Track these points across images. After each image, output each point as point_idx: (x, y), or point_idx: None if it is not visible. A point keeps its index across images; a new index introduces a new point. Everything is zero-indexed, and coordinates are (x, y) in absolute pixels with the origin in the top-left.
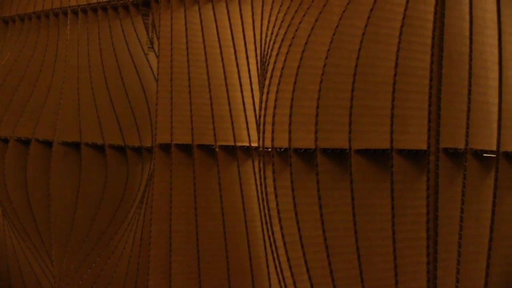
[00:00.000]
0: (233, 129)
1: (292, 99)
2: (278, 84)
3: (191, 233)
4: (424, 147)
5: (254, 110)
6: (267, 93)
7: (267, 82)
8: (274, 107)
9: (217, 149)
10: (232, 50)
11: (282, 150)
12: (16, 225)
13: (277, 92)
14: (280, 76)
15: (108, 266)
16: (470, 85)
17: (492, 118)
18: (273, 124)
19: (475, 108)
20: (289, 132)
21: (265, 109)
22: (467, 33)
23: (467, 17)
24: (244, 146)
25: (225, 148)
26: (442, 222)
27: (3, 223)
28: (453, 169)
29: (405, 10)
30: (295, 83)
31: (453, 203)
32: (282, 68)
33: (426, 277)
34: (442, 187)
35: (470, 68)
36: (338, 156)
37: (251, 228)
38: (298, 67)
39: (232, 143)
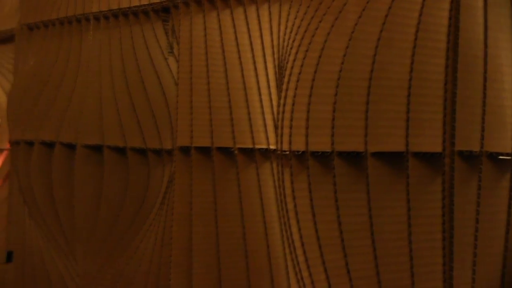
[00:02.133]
0: (251, 132)
1: (309, 104)
2: (295, 88)
3: (211, 234)
4: (439, 149)
5: (272, 113)
6: (285, 97)
7: (284, 87)
8: (292, 111)
9: (236, 152)
10: (250, 55)
11: (299, 153)
12: (42, 226)
13: (294, 96)
14: (297, 81)
15: (130, 265)
16: (484, 88)
17: (507, 121)
18: (290, 128)
19: (490, 111)
20: (306, 136)
21: (283, 113)
22: (481, 37)
23: (481, 21)
24: (262, 148)
25: (244, 151)
26: (458, 223)
27: (29, 223)
28: (468, 172)
29: (420, 15)
30: (311, 87)
31: (468, 205)
32: (299, 73)
33: (442, 278)
34: (458, 189)
35: (485, 71)
36: (354, 159)
37: (270, 229)
38: (315, 72)
39: (250, 146)
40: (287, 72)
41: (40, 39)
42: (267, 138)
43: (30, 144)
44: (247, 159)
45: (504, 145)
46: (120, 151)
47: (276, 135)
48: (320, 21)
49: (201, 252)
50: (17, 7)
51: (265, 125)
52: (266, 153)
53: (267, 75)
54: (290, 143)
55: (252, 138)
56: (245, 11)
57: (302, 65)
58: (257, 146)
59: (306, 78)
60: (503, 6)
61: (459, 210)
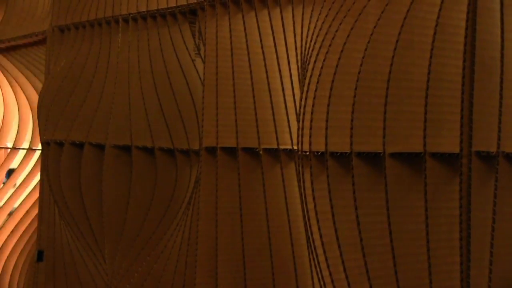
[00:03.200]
0: (276, 132)
1: (328, 105)
2: (315, 90)
3: (236, 233)
4: (457, 150)
5: (296, 114)
6: (305, 98)
7: (305, 88)
8: (312, 113)
9: (261, 152)
10: (275, 56)
11: (319, 153)
12: (72, 225)
13: (314, 98)
14: (317, 82)
15: (158, 264)
16: (501, 89)
17: None
18: (310, 128)
19: (507, 112)
20: (326, 137)
21: (303, 114)
22: (498, 39)
23: (498, 23)
24: (287, 149)
25: (269, 151)
26: (475, 223)
27: (59, 223)
28: (485, 172)
29: (438, 18)
30: (331, 89)
31: (485, 204)
32: (319, 75)
33: (459, 277)
34: (475, 189)
35: (502, 73)
36: (373, 159)
37: (294, 228)
38: (334, 73)
39: (275, 146)
40: (308, 74)
41: (70, 41)
42: (291, 139)
43: (60, 144)
44: (272, 159)
45: None
46: (149, 151)
47: (298, 136)
48: (340, 24)
49: (226, 252)
50: (49, 10)
51: (289, 126)
52: (290, 154)
53: (291, 76)
54: (310, 143)
55: (277, 138)
56: (269, 13)
57: (322, 67)
58: (282, 147)
59: (326, 80)
60: None
61: (476, 210)
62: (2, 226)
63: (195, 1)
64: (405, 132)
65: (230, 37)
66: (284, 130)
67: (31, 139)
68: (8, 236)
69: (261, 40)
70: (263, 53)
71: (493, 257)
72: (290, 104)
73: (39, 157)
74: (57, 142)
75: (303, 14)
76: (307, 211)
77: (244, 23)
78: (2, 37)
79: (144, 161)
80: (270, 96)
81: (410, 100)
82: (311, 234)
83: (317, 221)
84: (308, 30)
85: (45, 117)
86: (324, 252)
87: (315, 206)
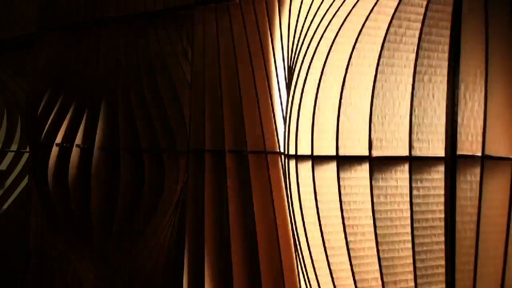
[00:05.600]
0: (263, 135)
1: (314, 108)
2: (302, 92)
3: (224, 237)
4: (442, 153)
5: (283, 116)
6: (292, 101)
7: (291, 92)
8: (298, 116)
9: (247, 155)
10: (262, 59)
11: (304, 157)
12: (60, 228)
13: (300, 101)
14: (303, 85)
15: (146, 267)
16: (486, 91)
17: (509, 125)
18: (296, 132)
19: (492, 114)
20: (311, 140)
21: (289, 117)
22: (483, 39)
23: (483, 26)
24: (274, 152)
25: (256, 154)
26: (460, 227)
27: (47, 225)
28: (469, 175)
29: (424, 18)
30: (317, 92)
31: (470, 208)
32: (305, 77)
33: (444, 280)
34: (460, 192)
35: (486, 74)
36: (358, 163)
37: (281, 232)
38: (320, 76)
39: (262, 149)
40: (294, 77)
41: (58, 43)
42: (278, 142)
43: (48, 146)
44: (259, 162)
45: (504, 149)
46: (136, 153)
47: (284, 139)
48: (327, 25)
49: (213, 255)
50: (37, 12)
51: (276, 129)
52: (277, 157)
53: (277, 77)
54: (296, 147)
55: (264, 141)
56: (256, 15)
57: (308, 69)
58: (269, 150)
59: (312, 83)
60: (503, 8)
61: (461, 214)
62: None
63: (183, 3)
64: (390, 136)
65: (217, 41)
66: (271, 133)
67: (20, 141)
68: None
69: (248, 43)
70: (250, 56)
71: (478, 261)
72: (276, 107)
73: (27, 160)
74: (44, 144)
75: (290, 16)
76: (293, 214)
77: (231, 25)
78: None
79: (132, 164)
80: (257, 98)
81: (395, 103)
82: (298, 237)
83: (303, 224)
84: (295, 32)
85: (33, 119)
86: (310, 255)
87: (300, 209)
